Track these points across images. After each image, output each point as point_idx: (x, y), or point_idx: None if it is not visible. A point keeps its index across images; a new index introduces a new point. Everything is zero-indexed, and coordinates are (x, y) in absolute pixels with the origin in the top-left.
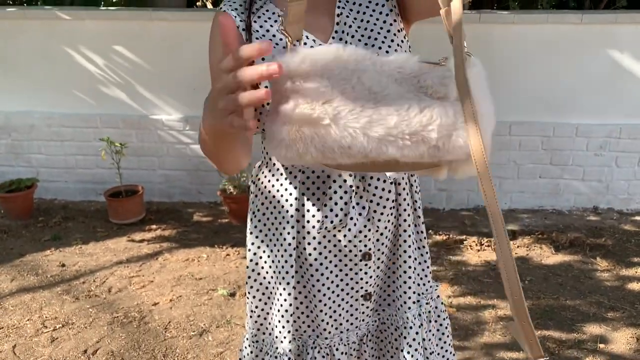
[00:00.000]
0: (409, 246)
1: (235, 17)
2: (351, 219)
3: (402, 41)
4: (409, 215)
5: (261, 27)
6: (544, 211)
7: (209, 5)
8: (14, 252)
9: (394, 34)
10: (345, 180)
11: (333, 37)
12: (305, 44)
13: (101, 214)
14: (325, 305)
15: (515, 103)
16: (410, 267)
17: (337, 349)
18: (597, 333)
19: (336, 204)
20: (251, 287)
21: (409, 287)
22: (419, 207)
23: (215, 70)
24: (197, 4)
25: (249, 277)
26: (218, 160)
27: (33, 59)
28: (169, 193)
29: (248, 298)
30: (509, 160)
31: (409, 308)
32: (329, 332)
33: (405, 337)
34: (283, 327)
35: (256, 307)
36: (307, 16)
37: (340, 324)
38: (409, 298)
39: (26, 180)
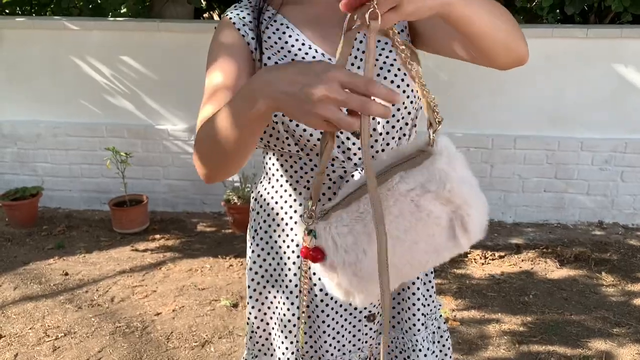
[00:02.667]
0: None
1: (243, 25)
2: None
3: None
4: None
5: (269, 38)
6: (549, 225)
7: (216, 17)
8: (17, 260)
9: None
10: None
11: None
12: (314, 57)
13: (105, 223)
14: (328, 326)
15: (520, 117)
16: (418, 289)
17: None
18: (603, 349)
19: None
20: (252, 307)
21: (418, 309)
22: None
23: (212, 69)
24: (204, 15)
25: (250, 297)
26: (224, 155)
27: (40, 68)
28: (173, 203)
29: (249, 318)
30: (514, 174)
31: (418, 330)
32: (332, 354)
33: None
34: (287, 348)
35: (257, 327)
36: (318, 29)
37: (343, 346)
38: (418, 320)
39: (31, 188)
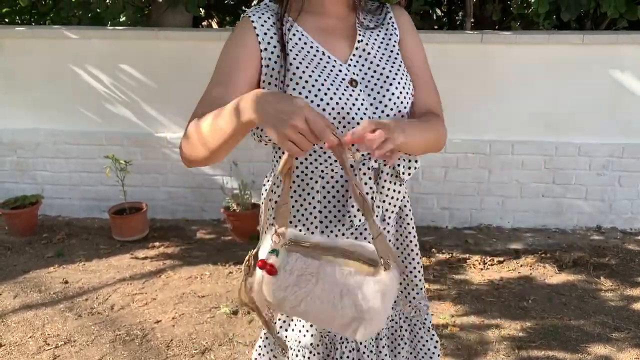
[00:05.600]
0: (412, 241)
1: (265, 33)
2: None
3: (407, 79)
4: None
5: (290, 43)
6: (547, 230)
7: (215, 25)
8: (17, 268)
9: (403, 72)
10: (362, 180)
11: (351, 59)
12: (327, 62)
13: (105, 231)
14: None
15: (518, 122)
16: (418, 263)
17: (361, 343)
18: (602, 354)
19: (355, 216)
20: None
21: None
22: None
23: (220, 71)
24: (203, 24)
25: None
26: (213, 149)
27: (40, 77)
28: (173, 210)
29: None
30: (512, 179)
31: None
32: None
33: (422, 328)
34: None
35: None
36: (328, 37)
37: None
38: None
39: (31, 197)
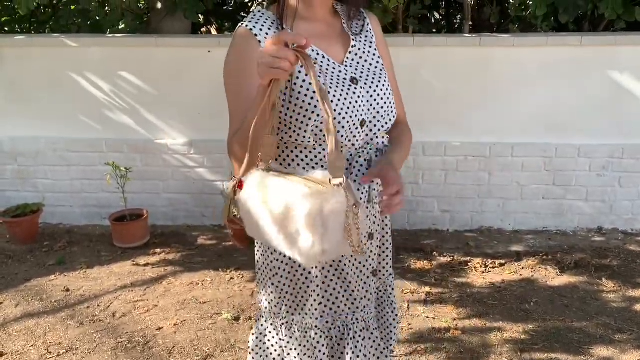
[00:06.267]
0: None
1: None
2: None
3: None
4: None
5: None
6: (548, 232)
7: (214, 32)
8: (18, 277)
9: (385, 73)
10: (359, 170)
11: (346, 60)
12: (328, 65)
13: (106, 238)
14: (351, 282)
15: (517, 124)
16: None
17: (370, 321)
18: (605, 355)
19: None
20: (275, 274)
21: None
22: None
23: (236, 91)
24: (202, 30)
25: (273, 268)
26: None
27: (40, 85)
28: (174, 216)
29: (270, 287)
30: (512, 181)
31: (390, 274)
32: (364, 306)
33: (391, 301)
34: (320, 303)
35: (287, 292)
36: (322, 41)
37: (366, 299)
38: (390, 267)
39: (32, 205)
